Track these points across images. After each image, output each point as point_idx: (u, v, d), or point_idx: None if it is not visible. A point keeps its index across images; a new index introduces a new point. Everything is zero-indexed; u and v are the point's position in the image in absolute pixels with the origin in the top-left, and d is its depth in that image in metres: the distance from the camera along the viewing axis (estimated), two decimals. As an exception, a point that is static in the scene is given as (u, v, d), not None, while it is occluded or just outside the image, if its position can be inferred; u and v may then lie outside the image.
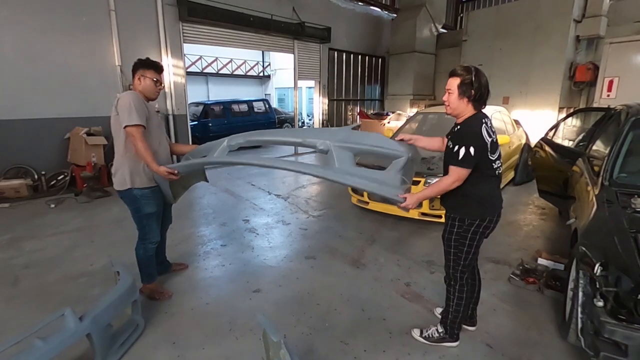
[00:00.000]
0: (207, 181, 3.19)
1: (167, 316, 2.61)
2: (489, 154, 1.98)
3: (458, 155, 1.93)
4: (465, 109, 2.01)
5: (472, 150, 1.91)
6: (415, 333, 2.37)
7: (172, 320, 2.57)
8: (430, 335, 2.31)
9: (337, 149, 2.15)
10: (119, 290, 2.24)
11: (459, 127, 2.05)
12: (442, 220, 3.03)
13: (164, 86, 2.71)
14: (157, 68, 2.59)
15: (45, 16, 5.76)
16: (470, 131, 1.97)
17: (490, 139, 1.98)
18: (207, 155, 2.68)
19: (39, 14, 5.70)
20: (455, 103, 2.01)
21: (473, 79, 1.94)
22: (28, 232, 4.19)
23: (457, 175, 1.96)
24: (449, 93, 2.02)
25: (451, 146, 2.03)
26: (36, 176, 5.87)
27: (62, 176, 6.05)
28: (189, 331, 2.45)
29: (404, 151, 2.20)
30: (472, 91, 1.95)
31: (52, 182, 6.00)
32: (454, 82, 2.00)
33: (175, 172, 2.51)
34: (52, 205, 5.15)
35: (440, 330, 2.30)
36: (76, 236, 4.09)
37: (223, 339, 2.37)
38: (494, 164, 2.02)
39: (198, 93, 18.02)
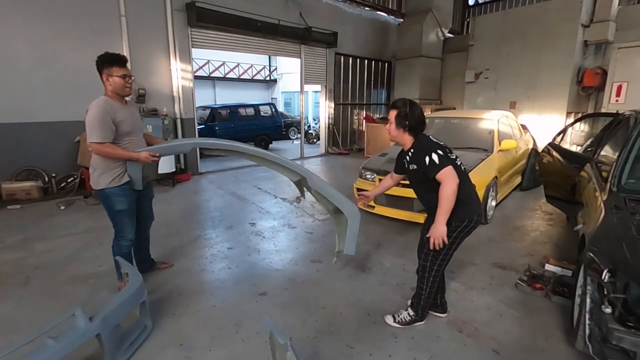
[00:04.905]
0: (159, 178, 3.38)
1: (174, 318, 2.64)
2: (449, 154, 2.22)
3: (434, 162, 2.12)
4: (404, 138, 2.29)
5: (440, 152, 2.15)
6: (389, 319, 2.57)
7: (179, 321, 2.60)
8: (403, 320, 2.53)
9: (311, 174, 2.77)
10: (127, 292, 2.27)
11: (412, 150, 2.28)
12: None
13: (134, 79, 2.65)
14: (121, 61, 2.53)
15: (58, 22, 5.88)
16: (424, 143, 2.24)
17: (441, 143, 2.27)
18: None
19: (51, 19, 5.82)
20: (394, 132, 2.30)
21: (408, 111, 2.22)
22: (38, 234, 4.26)
23: (450, 175, 2.10)
24: (389, 123, 2.30)
25: (416, 167, 2.23)
26: (47, 178, 5.97)
27: (71, 178, 6.15)
28: (196, 333, 2.47)
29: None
30: (407, 122, 2.22)
31: (62, 185, 6.10)
32: (392, 114, 2.27)
33: (157, 154, 2.59)
34: (62, 207, 5.24)
35: (412, 313, 2.52)
36: (85, 238, 4.15)
37: (229, 341, 2.39)
38: (457, 161, 2.27)
39: (205, 97, 18.19)
